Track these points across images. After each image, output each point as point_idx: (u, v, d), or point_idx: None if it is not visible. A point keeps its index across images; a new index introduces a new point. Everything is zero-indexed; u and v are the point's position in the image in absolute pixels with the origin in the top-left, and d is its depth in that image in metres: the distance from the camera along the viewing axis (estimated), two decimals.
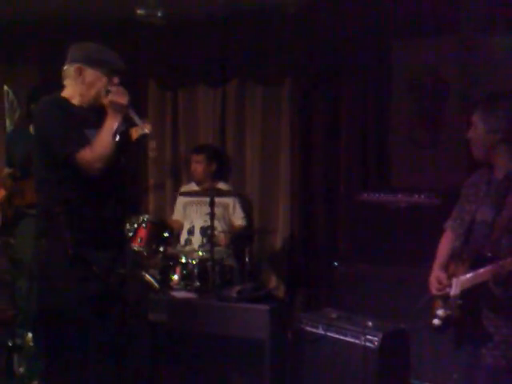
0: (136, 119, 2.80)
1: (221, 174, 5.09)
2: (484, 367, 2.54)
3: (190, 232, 4.72)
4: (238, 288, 3.86)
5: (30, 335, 3.51)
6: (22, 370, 3.65)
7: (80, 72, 2.81)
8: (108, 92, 2.79)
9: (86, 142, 2.74)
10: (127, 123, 2.84)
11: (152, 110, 5.35)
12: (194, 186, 4.98)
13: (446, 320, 2.56)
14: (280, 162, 5.04)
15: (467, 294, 2.51)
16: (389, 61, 4.59)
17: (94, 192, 2.78)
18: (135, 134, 2.92)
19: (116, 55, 2.89)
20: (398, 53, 4.57)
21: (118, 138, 2.75)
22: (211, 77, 5.19)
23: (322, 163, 4.87)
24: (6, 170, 4.26)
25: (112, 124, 2.75)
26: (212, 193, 4.28)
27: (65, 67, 2.86)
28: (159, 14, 4.29)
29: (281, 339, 3.71)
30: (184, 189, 5.05)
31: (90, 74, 2.81)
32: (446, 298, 2.60)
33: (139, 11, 4.24)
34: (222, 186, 4.90)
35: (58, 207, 2.68)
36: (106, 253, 2.82)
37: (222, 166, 5.11)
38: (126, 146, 2.93)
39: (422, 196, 4.10)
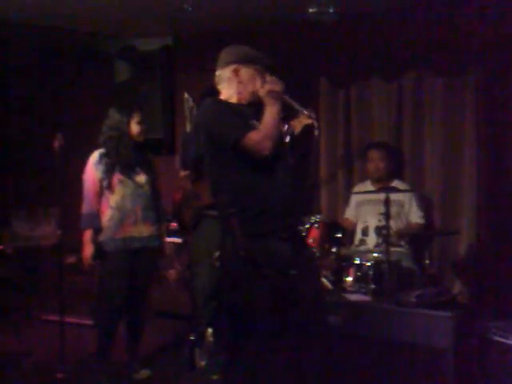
0: (295, 104, 2.93)
1: (397, 172, 4.98)
2: None
3: (364, 232, 4.68)
4: (417, 292, 3.76)
5: (209, 331, 3.67)
6: (203, 363, 3.83)
7: (237, 72, 2.98)
8: (264, 83, 2.95)
9: (251, 128, 2.88)
10: (288, 112, 2.94)
11: (323, 107, 5.37)
12: (368, 185, 4.91)
13: None
14: (464, 158, 4.81)
15: None
16: None
17: (265, 183, 2.89)
18: (299, 125, 2.97)
19: (262, 53, 3.05)
20: None
21: (288, 139, 2.90)
22: (386, 70, 5.10)
23: None
24: (183, 172, 4.51)
25: (272, 110, 2.89)
26: (388, 191, 4.17)
27: (218, 72, 3.04)
28: (331, 11, 4.29)
29: (465, 349, 3.54)
30: (358, 188, 5.00)
31: (246, 72, 2.99)
32: None
33: (311, 9, 4.28)
34: (398, 184, 4.78)
35: (230, 208, 2.80)
36: (283, 245, 2.88)
37: (398, 164, 5.00)
38: (295, 143, 3.00)
39: None
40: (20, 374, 4.28)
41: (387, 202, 4.06)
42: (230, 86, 3.01)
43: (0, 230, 5.74)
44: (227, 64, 3.01)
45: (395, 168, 4.94)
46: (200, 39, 5.61)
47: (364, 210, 4.85)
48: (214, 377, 3.77)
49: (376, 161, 4.85)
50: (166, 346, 4.77)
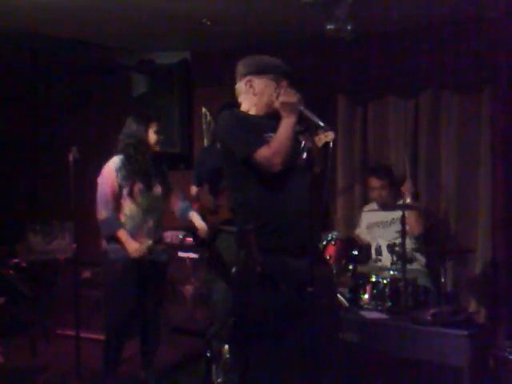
0: (312, 116, 2.88)
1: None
2: None
3: (378, 252, 4.76)
4: (433, 311, 3.84)
5: (226, 347, 3.74)
6: (219, 380, 3.87)
7: (250, 84, 3.03)
8: (278, 94, 2.96)
9: (264, 142, 2.90)
10: (308, 128, 2.95)
11: (341, 124, 5.49)
12: (374, 207, 4.95)
13: None
14: (479, 176, 4.91)
15: None
16: None
17: (280, 198, 2.93)
18: (319, 142, 3.00)
19: (280, 60, 3.07)
20: None
21: (305, 156, 2.89)
22: (403, 87, 5.22)
23: None
24: (195, 188, 4.63)
25: (286, 123, 2.89)
26: (401, 208, 4.27)
27: (237, 85, 3.09)
28: (349, 28, 4.41)
29: (481, 367, 3.61)
30: (367, 209, 5.07)
31: (259, 82, 3.02)
32: None
33: (329, 26, 4.39)
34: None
35: (248, 225, 2.86)
36: (300, 261, 2.91)
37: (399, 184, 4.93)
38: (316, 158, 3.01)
39: None
40: None
41: (403, 220, 4.15)
42: (246, 98, 3.05)
43: (15, 243, 5.86)
44: (243, 76, 3.05)
45: (398, 190, 4.84)
46: (218, 54, 5.71)
47: (375, 233, 4.91)
48: None
49: (378, 190, 4.85)
50: (182, 363, 4.83)
